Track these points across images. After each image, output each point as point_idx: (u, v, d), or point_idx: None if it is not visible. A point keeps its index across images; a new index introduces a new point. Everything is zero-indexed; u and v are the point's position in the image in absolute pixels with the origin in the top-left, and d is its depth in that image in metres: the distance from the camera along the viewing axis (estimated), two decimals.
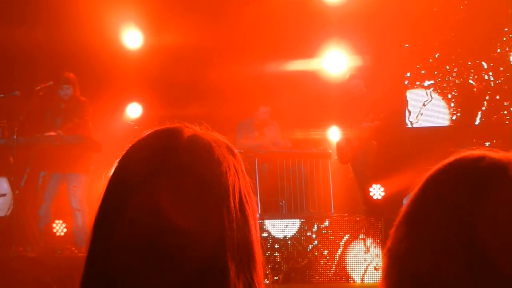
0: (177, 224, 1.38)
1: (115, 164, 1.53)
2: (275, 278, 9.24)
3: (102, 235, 1.45)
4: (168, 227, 1.38)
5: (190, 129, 1.54)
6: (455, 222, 1.33)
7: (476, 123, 11.93)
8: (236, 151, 1.57)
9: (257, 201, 10.25)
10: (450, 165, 1.41)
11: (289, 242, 9.41)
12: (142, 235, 1.39)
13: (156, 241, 1.38)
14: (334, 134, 11.57)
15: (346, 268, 9.15)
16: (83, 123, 9.87)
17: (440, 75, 12.12)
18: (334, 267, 9.17)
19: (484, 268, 1.28)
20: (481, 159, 1.39)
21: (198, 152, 1.48)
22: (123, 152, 1.54)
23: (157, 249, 1.38)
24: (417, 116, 12.22)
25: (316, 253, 9.29)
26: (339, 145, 10.92)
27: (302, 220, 9.57)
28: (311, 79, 11.97)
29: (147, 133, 1.55)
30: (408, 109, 12.25)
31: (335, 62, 12.03)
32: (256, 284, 1.45)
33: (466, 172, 1.37)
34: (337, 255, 9.21)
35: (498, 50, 11.90)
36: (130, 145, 1.54)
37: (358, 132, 10.47)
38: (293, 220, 9.60)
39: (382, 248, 9.08)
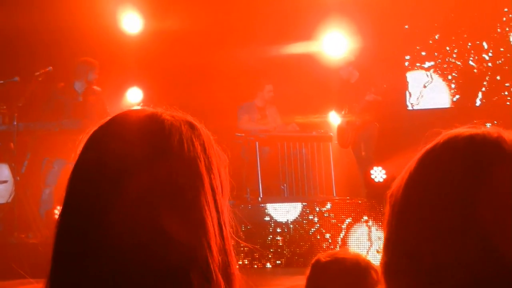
0: (158, 217, 1.32)
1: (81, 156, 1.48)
2: (277, 262, 9.25)
3: (78, 230, 1.39)
4: (150, 221, 1.32)
5: (144, 110, 1.46)
6: (453, 204, 1.29)
7: (477, 104, 11.92)
8: (198, 125, 1.45)
9: (258, 185, 10.26)
10: (442, 145, 1.38)
11: (291, 225, 9.42)
12: (128, 232, 1.33)
13: (140, 234, 1.32)
14: (334, 118, 11.54)
15: None
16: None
17: (440, 56, 12.09)
18: None
19: (484, 250, 1.25)
20: (471, 136, 1.36)
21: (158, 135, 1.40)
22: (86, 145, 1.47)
23: (141, 243, 1.32)
24: (417, 98, 12.20)
25: (318, 237, 9.30)
26: (339, 129, 10.91)
27: (304, 203, 9.58)
28: (310, 62, 11.92)
29: (108, 121, 1.48)
30: (408, 91, 12.22)
31: (334, 44, 11.94)
32: (231, 265, 1.41)
33: (459, 151, 1.34)
34: (339, 238, 9.22)
35: (498, 30, 11.86)
36: (92, 136, 1.47)
37: (362, 106, 10.42)
38: (294, 203, 9.61)
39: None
